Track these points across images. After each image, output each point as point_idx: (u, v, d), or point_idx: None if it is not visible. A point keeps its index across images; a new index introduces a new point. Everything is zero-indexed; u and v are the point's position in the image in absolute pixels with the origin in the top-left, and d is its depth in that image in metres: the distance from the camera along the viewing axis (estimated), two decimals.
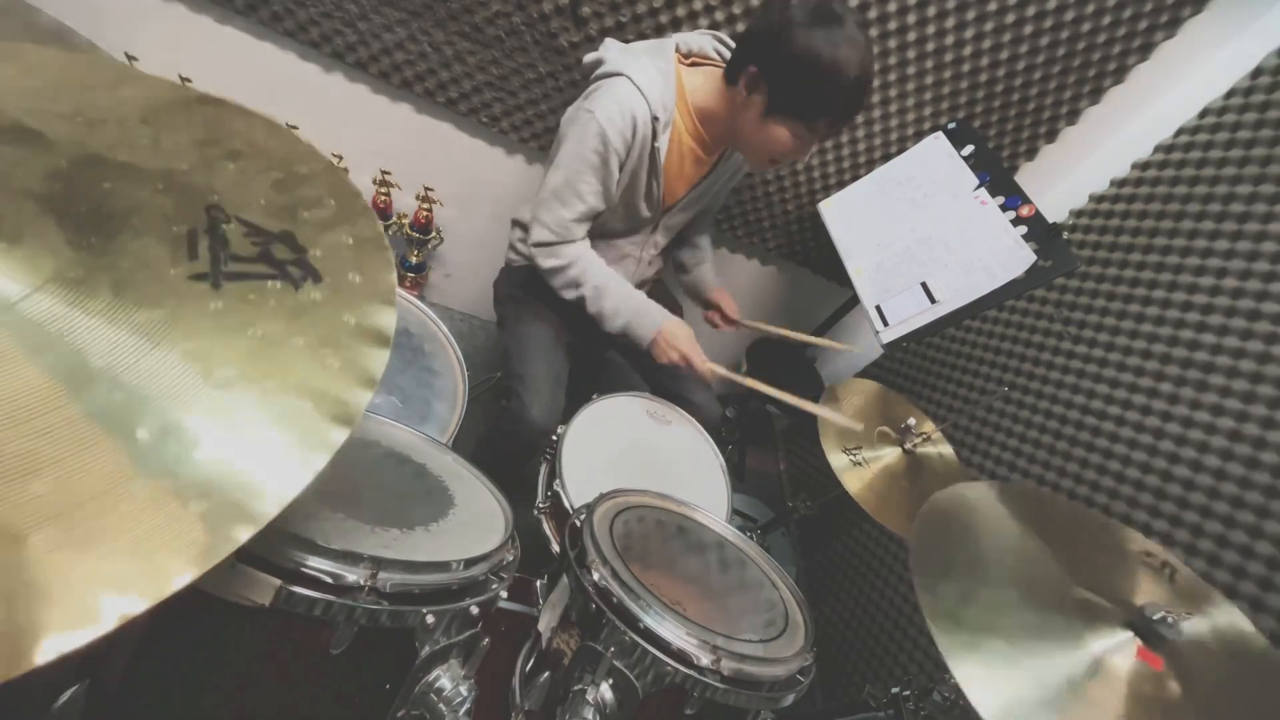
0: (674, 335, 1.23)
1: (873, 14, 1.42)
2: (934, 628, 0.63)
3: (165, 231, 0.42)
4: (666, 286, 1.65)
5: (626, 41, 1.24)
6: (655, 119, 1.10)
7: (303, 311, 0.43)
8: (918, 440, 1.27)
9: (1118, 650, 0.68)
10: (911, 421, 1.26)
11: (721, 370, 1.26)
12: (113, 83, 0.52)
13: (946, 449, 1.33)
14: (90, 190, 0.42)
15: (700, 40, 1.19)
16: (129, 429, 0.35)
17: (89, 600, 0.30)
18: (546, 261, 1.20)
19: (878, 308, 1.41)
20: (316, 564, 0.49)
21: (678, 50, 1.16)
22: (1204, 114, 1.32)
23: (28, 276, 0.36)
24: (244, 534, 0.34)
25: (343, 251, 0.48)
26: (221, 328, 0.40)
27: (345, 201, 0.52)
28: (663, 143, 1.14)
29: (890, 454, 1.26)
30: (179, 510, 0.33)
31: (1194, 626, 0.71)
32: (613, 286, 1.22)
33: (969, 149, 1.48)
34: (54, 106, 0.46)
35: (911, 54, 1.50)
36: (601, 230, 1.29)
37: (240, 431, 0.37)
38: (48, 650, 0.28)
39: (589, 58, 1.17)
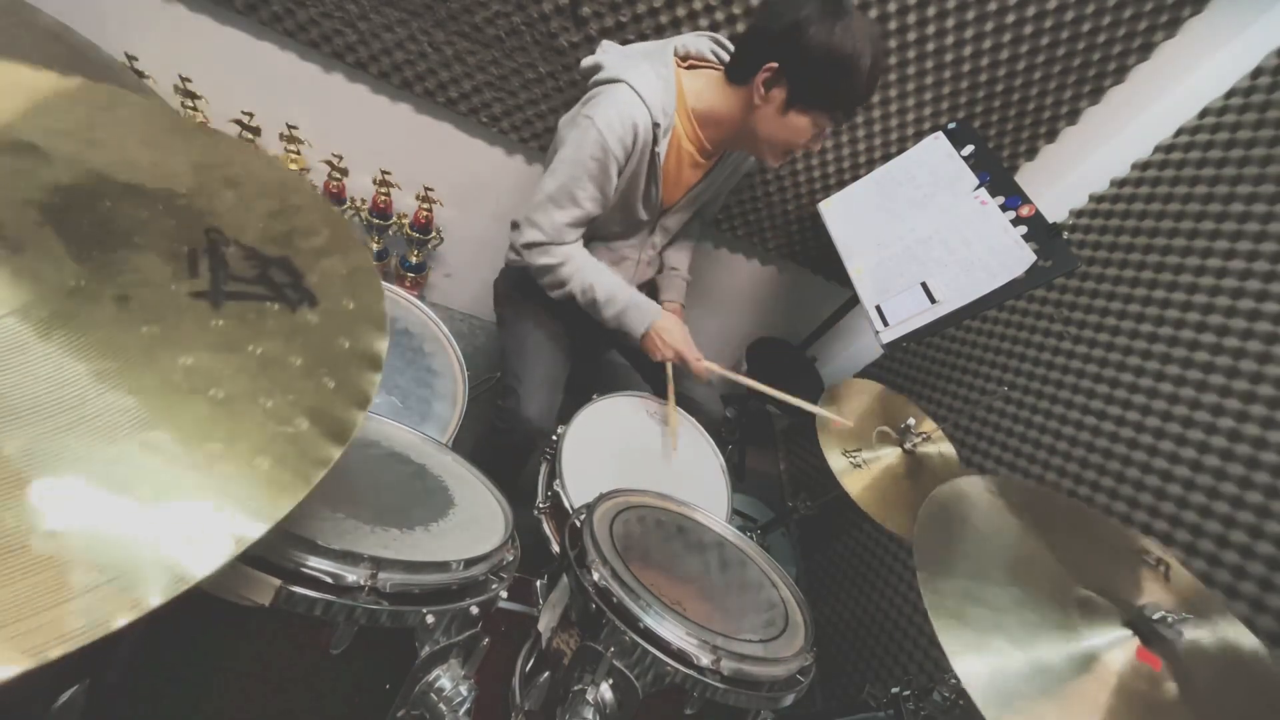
0: (668, 331, 1.23)
1: (873, 14, 1.42)
2: (937, 625, 0.63)
3: (167, 250, 0.43)
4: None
5: (626, 42, 1.24)
6: (656, 125, 1.10)
7: (299, 333, 0.44)
8: (918, 440, 1.27)
9: (1118, 650, 0.68)
10: (911, 421, 1.26)
11: (717, 368, 1.26)
12: (108, 104, 0.52)
13: (947, 448, 1.33)
14: (92, 207, 0.42)
15: (698, 42, 1.19)
16: (131, 435, 0.35)
17: None
18: (538, 259, 1.19)
19: (878, 308, 1.41)
20: (316, 564, 0.49)
21: (675, 53, 1.16)
22: (1204, 114, 1.32)
23: (30, 284, 0.36)
24: (256, 532, 0.34)
25: (336, 278, 0.50)
26: (224, 344, 0.41)
27: (338, 231, 0.54)
28: (662, 148, 1.14)
29: (890, 454, 1.26)
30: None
31: (1194, 630, 0.71)
32: (604, 281, 1.21)
33: (969, 149, 1.48)
34: (51, 123, 0.47)
35: (911, 54, 1.49)
36: (599, 233, 1.29)
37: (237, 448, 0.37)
38: None
39: (586, 62, 1.17)
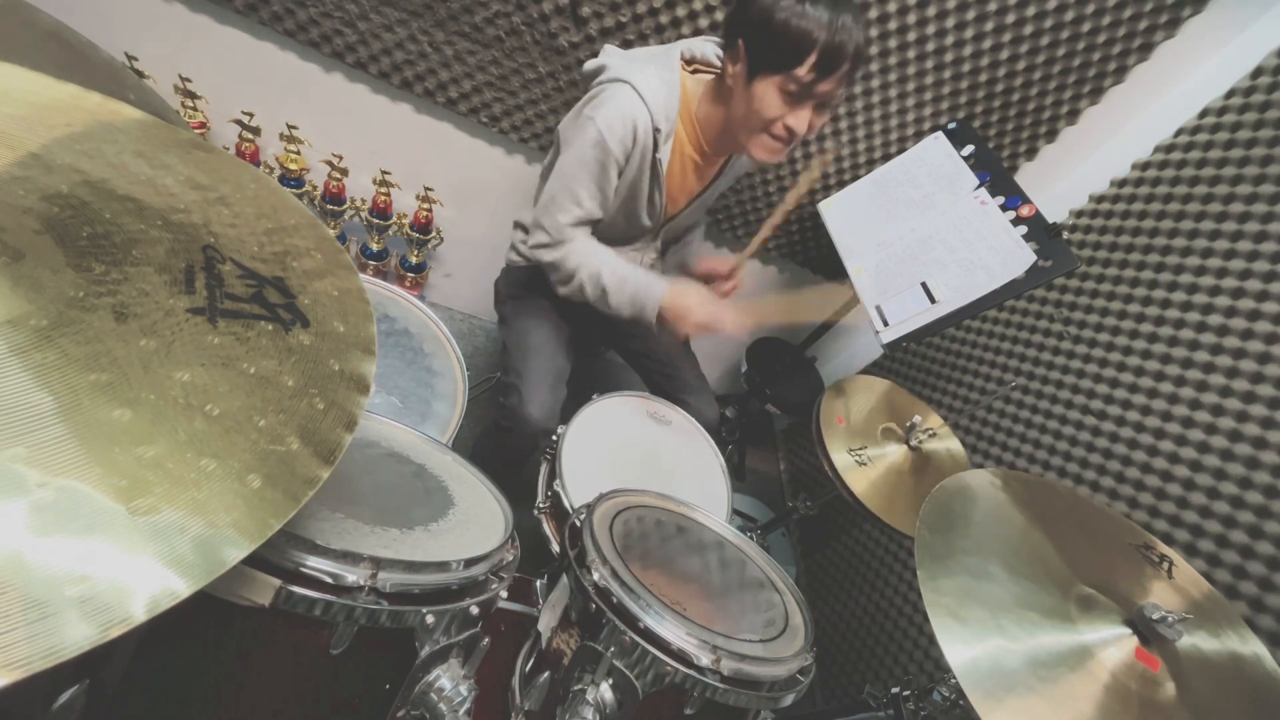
0: (683, 306, 1.15)
1: (873, 14, 1.42)
2: (935, 622, 0.63)
3: (165, 265, 0.43)
4: None
5: (626, 41, 1.23)
6: (657, 130, 1.08)
7: (291, 353, 0.45)
8: (924, 437, 1.26)
9: (1117, 650, 0.68)
10: (918, 418, 1.26)
11: (749, 312, 1.19)
12: (104, 115, 0.52)
13: (955, 445, 1.32)
14: (92, 218, 0.42)
15: (704, 46, 1.18)
16: (128, 450, 0.35)
17: None
18: (545, 258, 1.19)
19: (878, 308, 1.41)
20: (316, 564, 0.49)
21: (681, 57, 1.14)
22: (1204, 114, 1.32)
23: (30, 293, 0.36)
24: (236, 555, 0.34)
25: (328, 300, 0.50)
26: (220, 361, 0.41)
27: (330, 254, 0.54)
28: (664, 153, 1.12)
29: (895, 451, 1.25)
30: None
31: (1194, 631, 0.71)
32: (610, 266, 1.16)
33: (969, 149, 1.48)
34: (49, 130, 0.46)
35: (911, 54, 1.50)
36: (602, 237, 1.29)
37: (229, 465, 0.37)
38: None
39: (589, 65, 1.15)
